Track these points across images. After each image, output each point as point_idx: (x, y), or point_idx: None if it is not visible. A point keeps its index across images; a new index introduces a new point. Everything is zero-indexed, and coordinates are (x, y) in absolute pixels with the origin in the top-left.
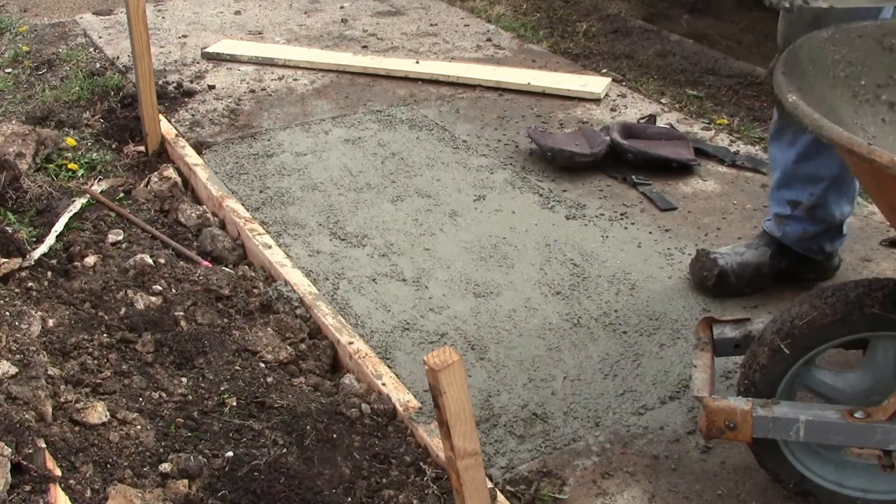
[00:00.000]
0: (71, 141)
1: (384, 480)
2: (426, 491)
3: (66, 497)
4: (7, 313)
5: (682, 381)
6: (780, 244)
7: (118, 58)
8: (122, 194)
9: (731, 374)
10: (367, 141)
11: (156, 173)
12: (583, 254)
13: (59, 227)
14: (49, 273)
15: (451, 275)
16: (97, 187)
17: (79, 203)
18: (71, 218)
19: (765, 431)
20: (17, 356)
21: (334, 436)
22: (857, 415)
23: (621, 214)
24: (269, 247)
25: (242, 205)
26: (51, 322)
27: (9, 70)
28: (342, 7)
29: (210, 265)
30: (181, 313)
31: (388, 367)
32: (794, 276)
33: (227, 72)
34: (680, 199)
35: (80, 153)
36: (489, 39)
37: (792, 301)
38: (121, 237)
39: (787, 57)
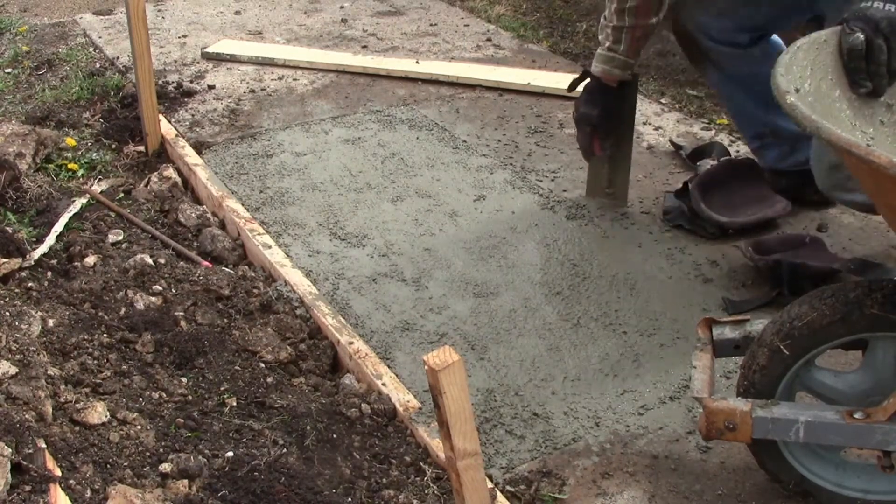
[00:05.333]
0: (71, 141)
1: (384, 480)
2: (426, 491)
3: (66, 497)
4: (7, 313)
5: (682, 381)
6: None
7: (118, 58)
8: (122, 194)
9: (731, 375)
10: (367, 141)
11: (156, 173)
12: (583, 254)
13: (59, 227)
14: (49, 273)
15: (451, 275)
16: (97, 187)
17: (79, 203)
18: (71, 218)
19: (764, 432)
20: (17, 356)
21: (334, 436)
22: (856, 416)
23: (621, 214)
24: (269, 247)
25: (242, 205)
26: (51, 322)
27: (9, 70)
28: (342, 7)
29: (210, 265)
30: (181, 313)
31: (388, 367)
32: (798, 198)
33: (227, 72)
34: None
35: (80, 153)
36: (489, 39)
37: (791, 302)
38: (121, 237)
39: (787, 58)
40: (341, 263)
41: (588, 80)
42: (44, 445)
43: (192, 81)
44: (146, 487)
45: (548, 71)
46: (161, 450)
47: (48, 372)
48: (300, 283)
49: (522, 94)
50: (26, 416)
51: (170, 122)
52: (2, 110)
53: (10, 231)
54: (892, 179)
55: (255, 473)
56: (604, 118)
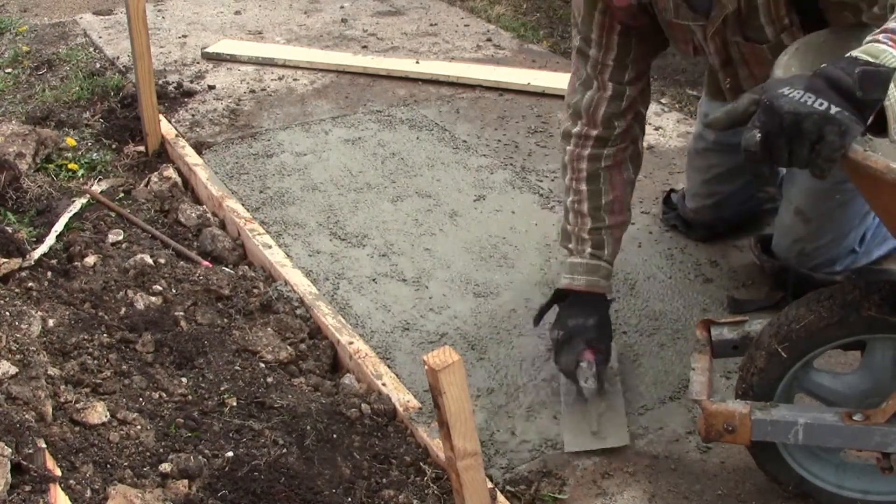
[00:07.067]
0: (71, 141)
1: (384, 480)
2: (426, 491)
3: (66, 497)
4: (7, 313)
5: (682, 381)
6: None
7: (118, 58)
8: (122, 194)
9: (731, 374)
10: (367, 141)
11: (156, 173)
12: None
13: (59, 227)
14: (49, 273)
15: (451, 275)
16: (97, 187)
17: (79, 203)
18: (71, 218)
19: (763, 434)
20: (17, 356)
21: (334, 436)
22: (855, 417)
23: None
24: (269, 247)
25: (242, 205)
26: (51, 322)
27: (9, 70)
28: (342, 7)
29: (210, 265)
30: (181, 313)
31: (388, 367)
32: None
33: (227, 72)
34: None
35: (80, 153)
36: (489, 39)
37: (789, 304)
38: (121, 237)
39: (785, 60)
40: (341, 263)
41: (561, 302)
42: (44, 445)
43: (192, 81)
44: (146, 487)
45: (548, 71)
46: (161, 450)
47: (48, 372)
48: (300, 283)
49: (522, 94)
50: (26, 416)
51: (170, 122)
52: (2, 110)
53: (10, 231)
54: (889, 184)
55: (255, 473)
56: (601, 331)
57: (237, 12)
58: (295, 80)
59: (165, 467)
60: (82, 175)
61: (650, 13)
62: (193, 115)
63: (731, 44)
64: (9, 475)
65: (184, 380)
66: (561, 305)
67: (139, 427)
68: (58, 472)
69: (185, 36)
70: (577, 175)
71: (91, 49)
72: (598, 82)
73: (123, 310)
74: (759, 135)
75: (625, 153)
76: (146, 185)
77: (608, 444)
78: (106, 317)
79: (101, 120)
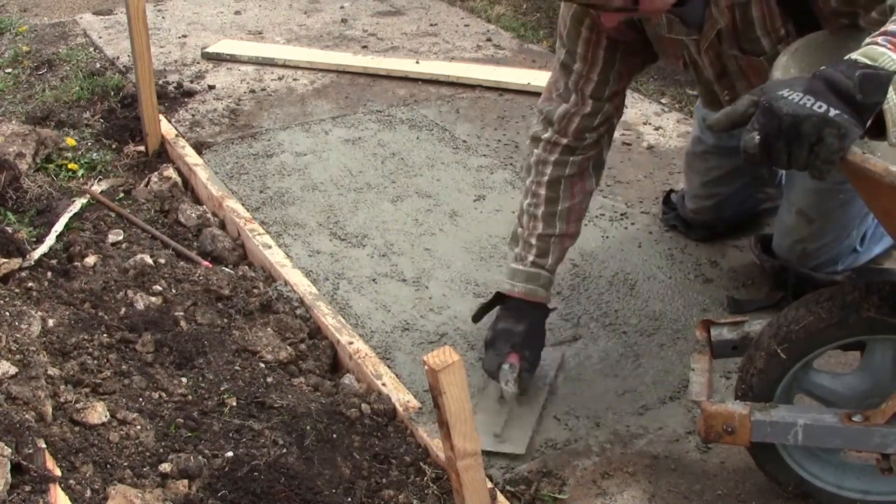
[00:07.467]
0: (71, 141)
1: (384, 480)
2: (426, 491)
3: (66, 497)
4: (7, 313)
5: (682, 381)
6: None
7: (118, 58)
8: (122, 194)
9: (731, 374)
10: (367, 141)
11: (156, 173)
12: (583, 254)
13: (59, 227)
14: (49, 273)
15: (451, 275)
16: (97, 187)
17: (79, 203)
18: (71, 218)
19: (763, 435)
20: (17, 356)
21: (334, 436)
22: (854, 418)
23: (621, 214)
24: (269, 247)
25: (242, 205)
26: (51, 322)
27: (9, 70)
28: (342, 7)
29: (210, 265)
30: (181, 313)
31: (388, 367)
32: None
33: (227, 72)
34: None
35: (80, 153)
36: (489, 39)
37: (789, 304)
38: (121, 237)
39: (784, 61)
40: (341, 263)
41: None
42: (44, 445)
43: (192, 81)
44: (146, 487)
45: (548, 71)
46: (161, 450)
47: (48, 372)
48: (300, 283)
49: (522, 94)
50: (26, 416)
51: (170, 122)
52: (2, 110)
53: (10, 231)
54: (887, 187)
55: (255, 473)
56: (529, 338)
57: (237, 12)
58: (295, 80)
59: (165, 467)
60: (82, 175)
61: (638, 28)
62: (193, 115)
63: (727, 57)
64: (9, 475)
65: (184, 380)
66: (499, 308)
67: (139, 427)
68: (58, 472)
69: (185, 36)
70: (540, 178)
71: (91, 49)
72: (577, 97)
73: (123, 310)
74: (757, 137)
75: (589, 161)
76: (146, 185)
77: (505, 450)
78: (106, 317)
79: (101, 120)
